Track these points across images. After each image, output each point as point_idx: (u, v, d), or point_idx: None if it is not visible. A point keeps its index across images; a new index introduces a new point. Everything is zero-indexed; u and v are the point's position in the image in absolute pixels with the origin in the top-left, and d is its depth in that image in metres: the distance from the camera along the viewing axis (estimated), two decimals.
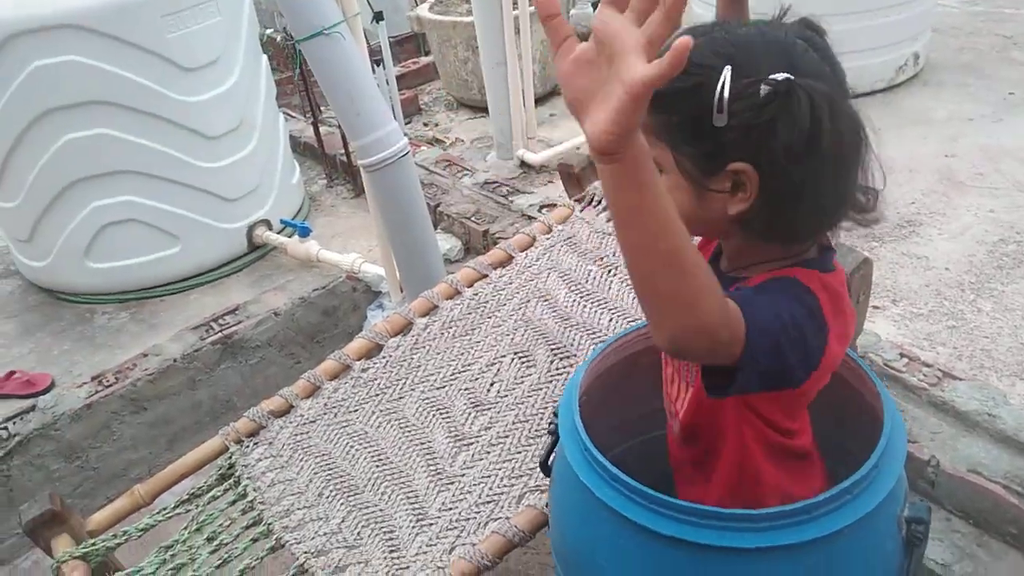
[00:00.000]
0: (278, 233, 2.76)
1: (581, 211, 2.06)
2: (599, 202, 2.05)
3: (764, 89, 0.80)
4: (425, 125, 3.60)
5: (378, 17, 3.01)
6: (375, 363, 1.86)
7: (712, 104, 0.80)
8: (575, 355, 1.73)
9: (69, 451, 2.07)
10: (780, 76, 0.81)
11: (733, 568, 0.93)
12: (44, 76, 2.28)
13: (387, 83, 3.20)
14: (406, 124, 3.60)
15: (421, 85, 4.00)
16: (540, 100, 3.67)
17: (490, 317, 1.89)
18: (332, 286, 2.45)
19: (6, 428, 2.02)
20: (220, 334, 2.26)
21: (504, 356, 1.80)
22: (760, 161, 0.83)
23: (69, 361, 2.40)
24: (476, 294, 1.94)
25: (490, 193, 2.76)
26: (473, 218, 2.65)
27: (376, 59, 3.16)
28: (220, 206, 2.64)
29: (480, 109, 3.61)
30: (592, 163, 2.04)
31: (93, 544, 1.63)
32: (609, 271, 1.87)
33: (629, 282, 1.10)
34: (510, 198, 2.72)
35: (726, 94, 0.80)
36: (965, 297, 2.17)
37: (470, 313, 1.91)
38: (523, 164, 3.04)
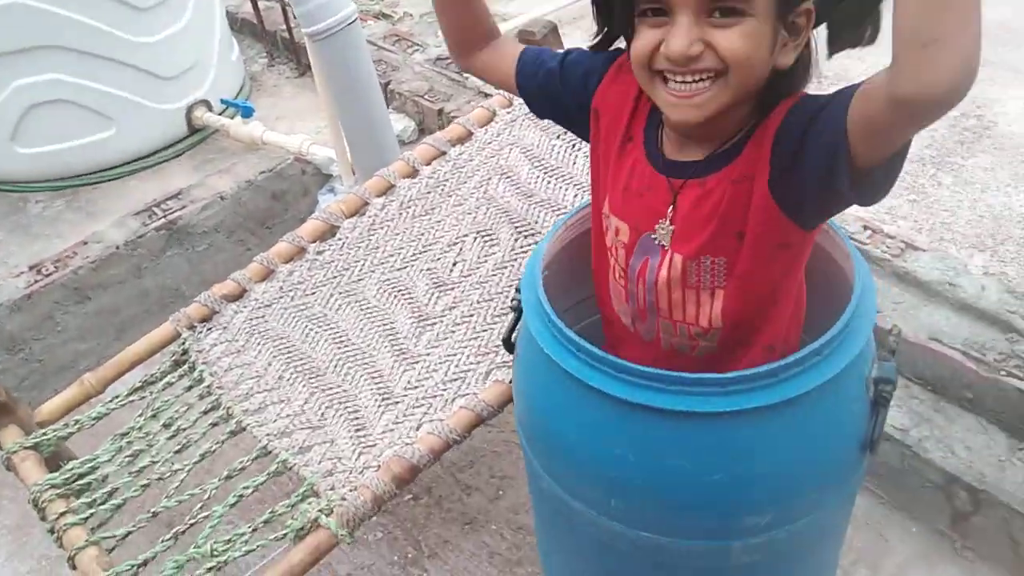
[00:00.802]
0: (219, 115, 2.60)
1: None
2: None
3: None
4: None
5: None
6: (330, 245, 1.79)
7: None
8: (539, 232, 1.68)
9: (11, 343, 1.98)
10: None
11: (701, 433, 0.91)
12: None
13: None
14: None
15: None
16: None
17: (450, 196, 1.82)
18: (279, 169, 2.34)
19: None
20: (164, 219, 2.15)
21: (466, 235, 1.74)
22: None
23: (4, 252, 2.27)
24: (435, 172, 1.86)
25: (443, 70, 2.63)
26: (426, 96, 2.53)
27: None
28: (155, 85, 2.46)
29: None
30: (554, 30, 1.95)
31: (44, 434, 1.58)
32: (573, 145, 1.80)
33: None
34: (464, 74, 2.59)
35: None
36: (926, 171, 2.16)
37: (429, 192, 1.83)
38: None
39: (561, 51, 1.06)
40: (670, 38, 0.80)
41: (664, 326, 1.02)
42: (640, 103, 0.96)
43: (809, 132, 0.82)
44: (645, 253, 0.97)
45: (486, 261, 1.69)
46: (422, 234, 1.77)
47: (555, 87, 1.03)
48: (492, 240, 1.71)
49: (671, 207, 0.93)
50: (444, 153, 1.88)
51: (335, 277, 1.75)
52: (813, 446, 0.96)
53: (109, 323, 2.08)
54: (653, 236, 0.96)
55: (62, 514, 1.42)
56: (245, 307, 1.75)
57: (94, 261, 2.04)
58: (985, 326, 1.60)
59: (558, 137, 1.83)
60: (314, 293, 1.74)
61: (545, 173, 1.78)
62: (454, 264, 1.71)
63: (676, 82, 0.83)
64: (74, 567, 1.37)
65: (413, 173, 1.85)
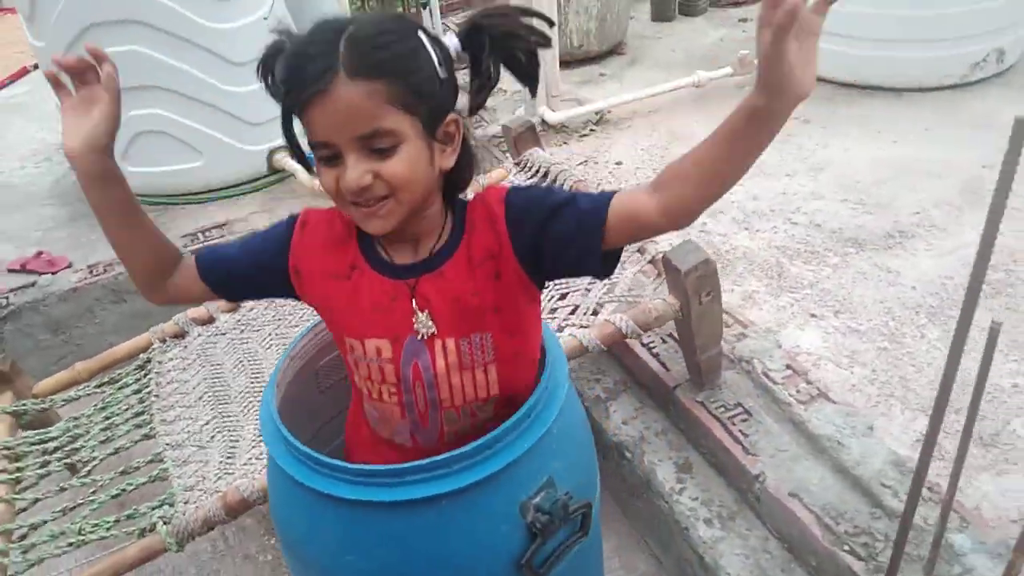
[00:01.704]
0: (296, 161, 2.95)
1: (515, 174, 2.10)
2: (534, 169, 2.07)
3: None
4: None
5: None
6: None
7: (433, 62, 0.92)
8: None
9: (56, 326, 2.39)
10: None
11: (372, 522, 0.98)
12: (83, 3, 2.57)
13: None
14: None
15: None
16: (595, 58, 3.64)
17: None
18: None
19: (7, 298, 2.37)
20: (202, 243, 2.50)
21: None
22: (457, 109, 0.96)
23: (92, 250, 2.73)
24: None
25: (492, 146, 2.81)
26: None
27: (423, 2, 3.27)
28: (241, 128, 2.86)
29: None
30: (530, 129, 2.07)
31: (24, 405, 1.92)
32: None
33: None
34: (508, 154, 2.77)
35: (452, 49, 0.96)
36: (915, 320, 2.03)
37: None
38: (544, 122, 3.06)
39: (232, 241, 1.13)
40: (343, 175, 0.91)
41: (448, 417, 1.08)
42: (347, 238, 1.04)
43: (552, 224, 0.96)
44: (413, 356, 1.03)
45: None
46: None
47: (240, 270, 1.09)
48: None
49: (419, 301, 1.01)
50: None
51: (278, 320, 1.98)
52: (455, 551, 1.01)
53: (137, 324, 2.43)
54: (416, 335, 1.02)
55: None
56: (206, 332, 2.02)
57: None
58: (855, 495, 1.51)
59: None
60: (259, 331, 1.98)
61: None
62: None
63: (360, 205, 0.95)
64: None
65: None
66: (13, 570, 1.54)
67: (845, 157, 2.70)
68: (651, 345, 1.89)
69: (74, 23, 2.63)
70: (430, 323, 1.01)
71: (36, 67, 3.80)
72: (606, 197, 0.95)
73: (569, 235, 0.95)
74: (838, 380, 1.84)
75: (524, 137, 2.08)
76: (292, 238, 1.05)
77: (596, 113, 3.11)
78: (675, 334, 1.76)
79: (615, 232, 0.94)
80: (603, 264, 0.97)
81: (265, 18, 2.68)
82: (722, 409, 1.69)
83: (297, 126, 0.94)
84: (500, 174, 2.12)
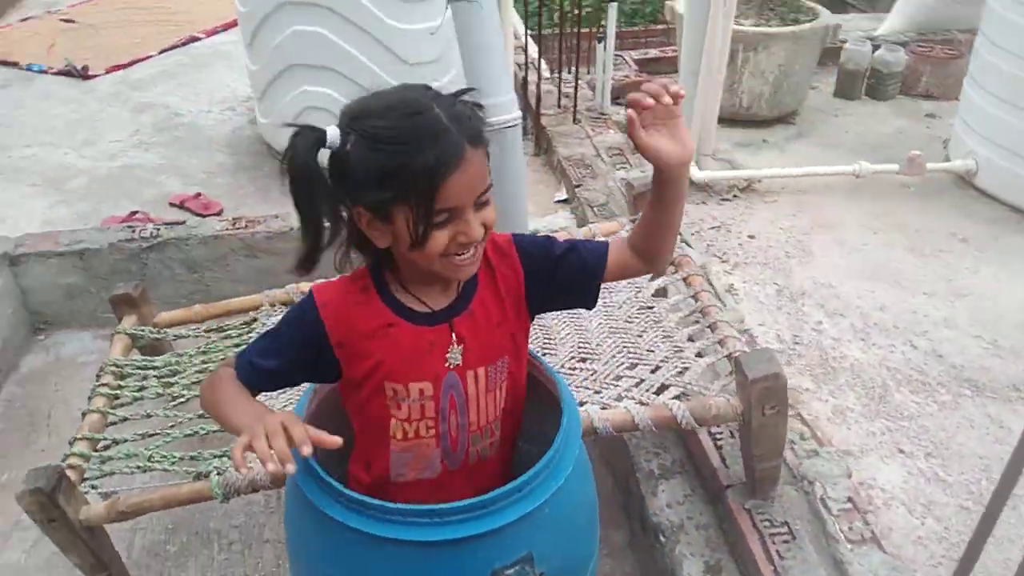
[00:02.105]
0: None
1: (627, 230, 2.10)
2: None
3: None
4: None
5: None
6: None
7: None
8: None
9: (193, 265, 2.62)
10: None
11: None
12: None
13: (604, 62, 3.34)
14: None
15: (667, 74, 4.02)
16: (762, 123, 3.55)
17: None
18: None
19: (159, 229, 2.62)
20: None
21: None
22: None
23: (248, 203, 2.97)
24: None
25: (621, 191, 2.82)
26: (597, 208, 2.75)
27: (599, 36, 3.31)
28: None
29: None
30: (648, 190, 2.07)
31: (143, 331, 2.13)
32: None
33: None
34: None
35: None
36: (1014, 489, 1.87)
37: None
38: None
39: (258, 347, 1.14)
40: (468, 230, 1.00)
41: (473, 438, 1.18)
42: (368, 300, 1.10)
43: (560, 268, 1.15)
44: (450, 388, 1.13)
45: None
46: None
47: (283, 379, 1.16)
48: None
49: (454, 340, 1.11)
50: None
51: None
52: None
53: (262, 280, 2.63)
54: (447, 364, 1.12)
55: (101, 384, 1.93)
56: None
57: (270, 232, 2.61)
58: None
59: None
60: None
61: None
62: None
63: (465, 255, 1.03)
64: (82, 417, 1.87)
65: None
66: (89, 475, 1.72)
67: (993, 288, 2.51)
68: (717, 436, 1.85)
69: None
70: (459, 356, 1.12)
71: None
72: (603, 247, 1.17)
73: (575, 278, 1.16)
74: (904, 528, 1.73)
75: (646, 197, 2.07)
76: (324, 321, 1.08)
77: (745, 180, 3.05)
78: None
79: (609, 276, 1.17)
80: (593, 301, 1.20)
81: (432, 33, 2.81)
82: (767, 523, 1.63)
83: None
84: (612, 227, 2.13)
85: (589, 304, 1.21)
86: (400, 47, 2.89)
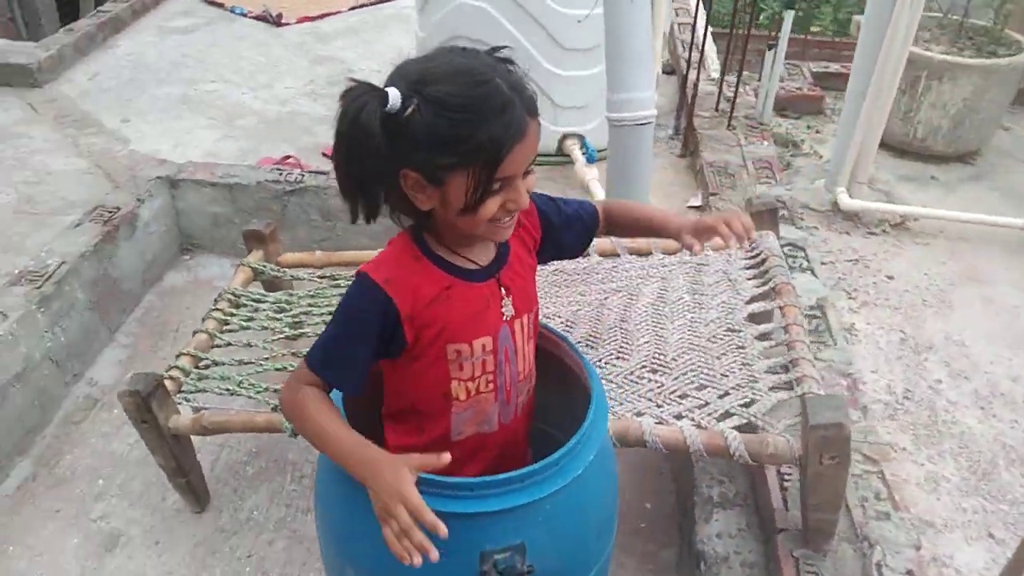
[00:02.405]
0: (581, 152, 3.07)
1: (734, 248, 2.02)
2: (754, 253, 1.98)
3: None
4: (808, 128, 3.46)
5: (788, 5, 3.00)
6: None
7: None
8: (597, 346, 1.83)
9: (327, 214, 2.78)
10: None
11: None
12: None
13: (772, 67, 3.20)
14: (794, 118, 3.53)
15: (840, 91, 3.79)
16: (935, 158, 3.28)
17: (584, 284, 2.04)
18: None
19: (303, 175, 2.79)
20: None
21: (558, 315, 1.96)
22: None
23: None
24: (599, 262, 2.09)
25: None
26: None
27: (771, 43, 3.18)
28: (548, 106, 3.03)
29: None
30: (771, 212, 1.98)
31: (265, 266, 2.30)
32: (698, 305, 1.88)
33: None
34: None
35: None
36: None
37: (582, 271, 2.08)
38: (835, 205, 2.85)
39: (331, 356, 1.12)
40: (518, 197, 1.04)
41: (520, 389, 1.24)
42: (423, 268, 1.11)
43: (566, 227, 1.28)
44: (504, 342, 1.18)
45: None
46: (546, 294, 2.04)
47: (368, 364, 1.13)
48: (568, 328, 1.91)
49: (504, 293, 1.17)
50: (618, 255, 2.10)
51: None
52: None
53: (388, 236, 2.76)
54: (503, 317, 1.17)
55: (216, 309, 2.11)
56: None
57: None
58: None
59: (690, 294, 1.91)
60: None
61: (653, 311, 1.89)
62: None
63: (508, 219, 1.07)
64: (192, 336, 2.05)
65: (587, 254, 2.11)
66: (185, 388, 1.89)
67: None
68: (786, 475, 1.76)
69: None
70: (511, 307, 1.18)
71: None
72: (592, 209, 1.33)
73: (576, 238, 1.31)
74: None
75: (762, 218, 1.99)
76: (393, 298, 1.08)
77: (900, 216, 2.84)
78: None
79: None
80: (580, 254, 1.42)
81: (579, 21, 2.79)
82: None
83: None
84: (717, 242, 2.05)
85: (576, 256, 1.43)
86: (559, 31, 2.91)
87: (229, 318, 2.10)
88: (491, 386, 1.19)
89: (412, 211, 1.08)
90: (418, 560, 0.96)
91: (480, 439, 1.23)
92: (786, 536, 1.63)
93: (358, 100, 1.00)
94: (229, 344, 2.04)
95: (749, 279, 1.91)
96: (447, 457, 1.00)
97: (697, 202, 2.97)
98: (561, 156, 3.14)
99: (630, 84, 2.26)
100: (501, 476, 1.06)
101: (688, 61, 3.36)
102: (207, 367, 1.96)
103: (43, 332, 2.20)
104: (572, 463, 1.10)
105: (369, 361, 1.12)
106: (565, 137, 3.09)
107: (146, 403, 1.75)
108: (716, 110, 3.34)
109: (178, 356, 1.96)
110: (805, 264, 2.44)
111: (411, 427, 1.23)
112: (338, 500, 1.18)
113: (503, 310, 1.16)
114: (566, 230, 1.28)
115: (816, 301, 2.26)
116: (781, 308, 1.77)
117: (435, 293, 1.10)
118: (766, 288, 1.85)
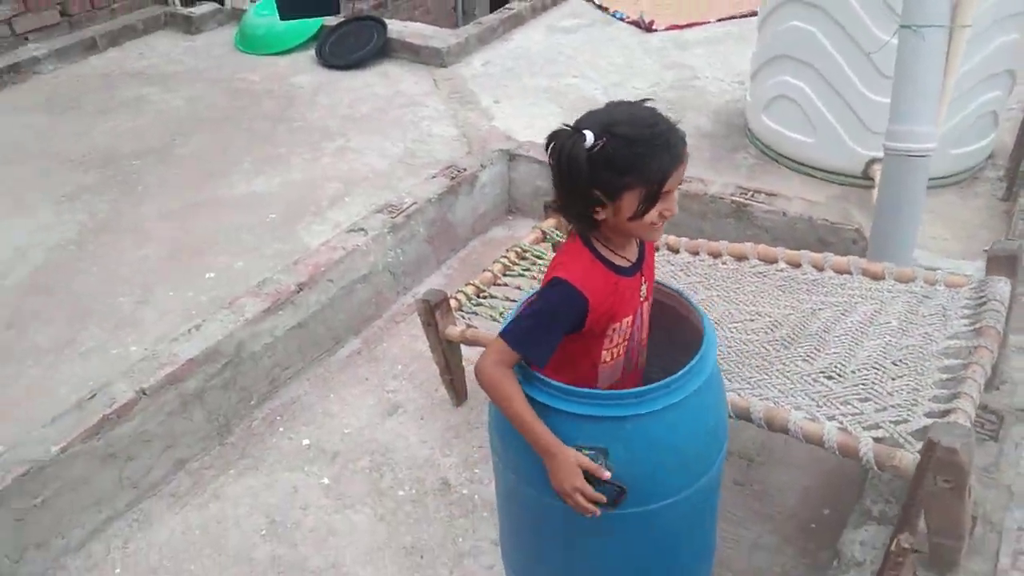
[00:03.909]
0: None
1: (970, 288, 2.02)
2: (978, 297, 1.97)
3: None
4: None
5: None
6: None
7: None
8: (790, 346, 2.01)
9: None
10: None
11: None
12: None
13: None
14: None
15: None
16: None
17: (807, 292, 2.19)
18: (834, 224, 2.83)
19: None
20: (738, 200, 2.97)
21: (768, 315, 2.15)
22: None
23: (695, 165, 3.41)
24: (831, 277, 2.23)
25: None
26: None
27: None
28: (858, 129, 3.10)
29: None
30: (1010, 258, 1.95)
31: (553, 231, 2.78)
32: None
33: None
34: None
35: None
36: None
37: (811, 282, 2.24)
38: None
39: (538, 344, 1.44)
40: (672, 207, 1.39)
41: (641, 350, 1.63)
42: (600, 271, 1.46)
43: None
44: (637, 317, 1.56)
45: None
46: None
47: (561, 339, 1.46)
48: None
49: (643, 281, 1.54)
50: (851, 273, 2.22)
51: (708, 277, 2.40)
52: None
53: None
54: (641, 299, 1.55)
55: (504, 256, 2.64)
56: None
57: (688, 193, 3.03)
58: None
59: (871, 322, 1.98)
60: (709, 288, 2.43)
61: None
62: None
63: (661, 223, 1.41)
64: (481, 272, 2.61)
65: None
66: (465, 309, 2.45)
67: None
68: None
69: None
70: (645, 291, 1.56)
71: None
72: None
73: None
74: None
75: (998, 263, 1.97)
76: (587, 300, 1.42)
77: None
78: None
79: None
80: None
81: (869, 52, 2.78)
82: None
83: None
84: (957, 280, 2.06)
85: None
86: (880, 58, 2.95)
87: (512, 265, 2.62)
88: (624, 348, 1.56)
89: (589, 220, 1.43)
90: (596, 511, 1.40)
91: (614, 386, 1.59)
92: (920, 557, 1.70)
93: (566, 141, 1.37)
94: (506, 284, 2.57)
95: (962, 317, 1.93)
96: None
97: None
98: (866, 179, 3.17)
99: (909, 117, 2.32)
100: (595, 391, 1.40)
101: None
102: (484, 298, 2.51)
103: (388, 250, 2.95)
104: (655, 400, 1.39)
105: (558, 342, 1.46)
106: (873, 161, 3.12)
107: (432, 311, 2.34)
108: None
109: (466, 285, 2.53)
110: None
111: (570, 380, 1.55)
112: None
113: (641, 292, 1.53)
114: None
115: None
116: (974, 348, 1.79)
117: (609, 289, 1.47)
118: (974, 328, 1.87)
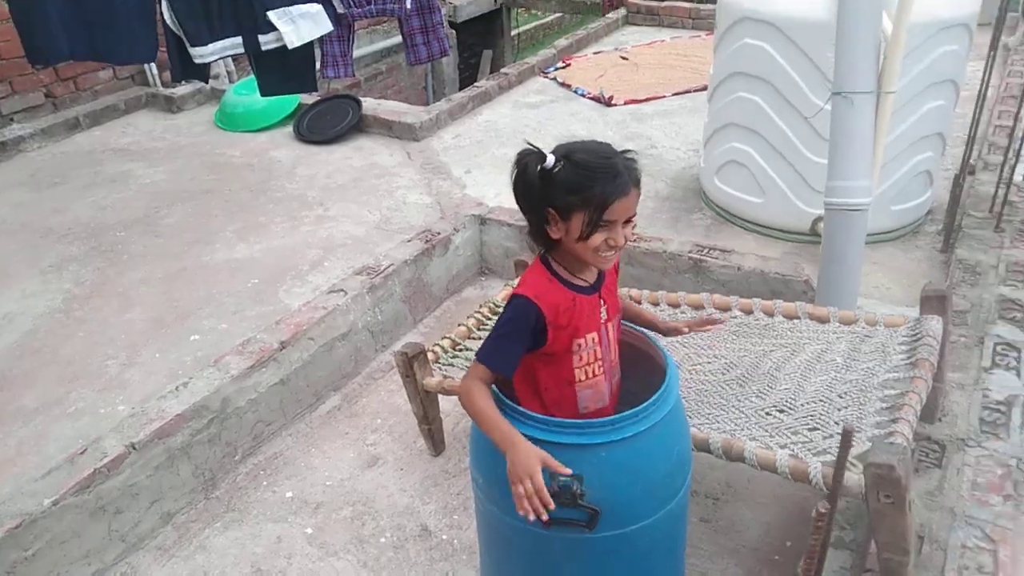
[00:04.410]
0: None
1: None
2: (915, 331, 2.15)
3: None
4: None
5: None
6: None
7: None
8: (745, 385, 2.17)
9: None
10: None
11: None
12: (742, 52, 3.32)
13: None
14: None
15: None
16: None
17: (759, 336, 2.36)
18: (785, 276, 3.02)
19: None
20: (695, 257, 3.16)
21: (724, 357, 2.31)
22: None
23: (656, 225, 3.62)
24: (780, 321, 2.40)
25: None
26: None
27: None
28: (804, 190, 3.33)
29: None
30: None
31: None
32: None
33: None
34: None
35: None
36: None
37: (763, 327, 2.41)
38: None
39: (499, 355, 1.61)
40: (617, 237, 1.54)
41: (615, 371, 1.76)
42: (557, 288, 1.61)
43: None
44: (605, 335, 1.70)
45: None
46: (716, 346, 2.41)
47: (520, 357, 1.62)
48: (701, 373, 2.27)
49: (602, 304, 1.68)
50: (799, 318, 2.39)
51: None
52: None
53: (634, 283, 3.26)
54: (601, 319, 1.69)
55: (477, 311, 2.79)
56: None
57: (649, 250, 3.22)
58: None
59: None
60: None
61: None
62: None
63: (609, 253, 1.57)
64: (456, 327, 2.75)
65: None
66: (441, 360, 2.58)
67: None
68: None
69: (728, 68, 3.43)
70: (605, 313, 1.69)
71: None
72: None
73: None
74: None
75: (930, 303, 2.15)
76: (544, 314, 1.57)
77: None
78: None
79: None
80: None
81: (806, 116, 3.03)
82: None
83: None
84: (896, 320, 2.24)
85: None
86: (818, 122, 3.20)
87: (486, 320, 2.77)
88: (601, 368, 1.69)
89: (546, 239, 1.60)
90: (532, 517, 1.46)
91: (597, 413, 1.71)
92: (871, 574, 1.83)
93: (526, 158, 1.56)
94: (479, 338, 2.71)
95: (900, 353, 2.10)
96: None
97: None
98: (814, 235, 3.39)
99: (844, 173, 2.55)
100: (567, 420, 1.54)
101: (964, 157, 3.40)
102: (460, 350, 2.64)
103: (367, 309, 3.09)
104: (624, 428, 1.53)
105: (521, 354, 1.61)
106: (819, 219, 3.34)
107: (410, 363, 2.47)
108: (990, 211, 3.32)
109: (442, 338, 2.67)
110: (1014, 364, 2.46)
111: (551, 407, 1.70)
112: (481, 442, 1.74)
113: (601, 314, 1.68)
114: None
115: (1006, 397, 2.31)
116: (911, 378, 1.96)
117: (566, 304, 1.62)
118: (910, 361, 2.04)
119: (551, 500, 1.45)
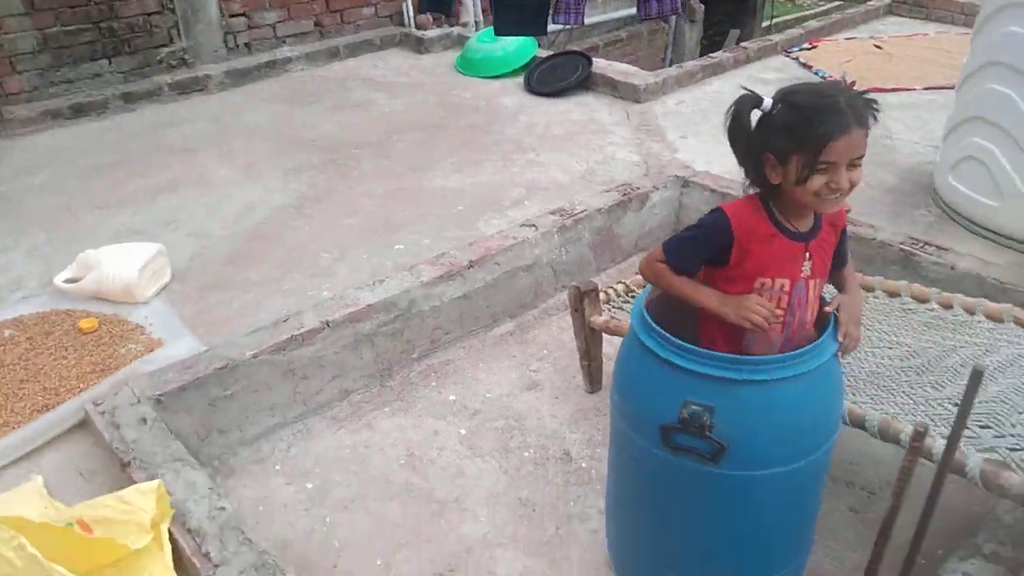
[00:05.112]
0: None
1: None
2: None
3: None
4: None
5: None
6: None
7: None
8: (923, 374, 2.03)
9: None
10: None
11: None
12: (1004, 40, 3.03)
13: None
14: None
15: None
16: None
17: (953, 332, 2.19)
18: (1004, 283, 2.74)
19: None
20: (907, 249, 2.95)
21: (907, 344, 2.17)
22: None
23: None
24: (980, 321, 2.21)
25: None
26: None
27: None
28: None
29: None
30: None
31: None
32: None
33: None
34: None
35: None
36: None
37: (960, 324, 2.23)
38: None
39: (682, 253, 1.66)
40: (839, 179, 1.48)
41: (801, 330, 1.68)
42: (762, 218, 1.59)
43: (840, 252, 1.72)
44: (798, 293, 1.65)
45: None
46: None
47: (701, 263, 1.66)
48: None
49: (807, 257, 1.63)
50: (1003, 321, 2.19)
51: None
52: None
53: None
54: (802, 273, 1.64)
55: None
56: None
57: None
58: None
59: None
60: None
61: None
62: None
63: (831, 197, 1.52)
64: None
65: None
66: (612, 302, 2.64)
67: None
68: None
69: (986, 55, 3.14)
70: (809, 269, 1.63)
71: None
72: (847, 261, 1.76)
73: (837, 259, 1.72)
74: None
75: None
76: (734, 230, 1.58)
77: None
78: None
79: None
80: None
81: None
82: None
83: None
84: (993, 309, 2.00)
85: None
86: None
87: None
88: (780, 321, 1.64)
89: (765, 184, 1.58)
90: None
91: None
92: None
93: (742, 102, 1.56)
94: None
95: None
96: (779, 312, 1.58)
97: None
98: None
99: None
100: (706, 351, 1.55)
101: None
102: (632, 297, 2.69)
103: (554, 248, 3.20)
104: (761, 371, 1.52)
105: (702, 261, 1.65)
106: None
107: (582, 297, 2.55)
108: None
109: (617, 282, 2.72)
110: None
111: (718, 337, 1.70)
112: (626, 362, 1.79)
113: (803, 269, 1.61)
114: (837, 256, 1.71)
115: None
116: None
117: (763, 236, 1.59)
118: None
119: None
